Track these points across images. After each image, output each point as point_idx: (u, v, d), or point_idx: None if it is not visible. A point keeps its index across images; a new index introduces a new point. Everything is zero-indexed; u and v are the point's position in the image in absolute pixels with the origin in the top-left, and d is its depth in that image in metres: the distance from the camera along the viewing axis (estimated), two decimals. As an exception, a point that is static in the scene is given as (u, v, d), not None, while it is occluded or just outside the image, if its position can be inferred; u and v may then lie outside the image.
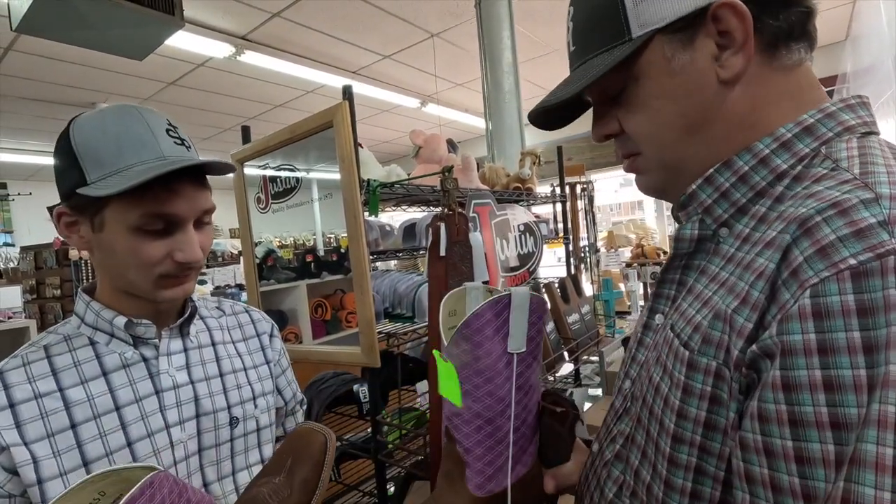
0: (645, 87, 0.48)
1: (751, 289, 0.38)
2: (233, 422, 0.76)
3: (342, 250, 1.37)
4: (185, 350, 0.75)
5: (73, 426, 0.63)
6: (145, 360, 0.70)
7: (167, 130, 0.67)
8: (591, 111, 0.57)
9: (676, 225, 0.55)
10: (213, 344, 0.79)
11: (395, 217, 2.39)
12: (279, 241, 1.56)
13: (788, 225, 0.38)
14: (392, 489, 1.37)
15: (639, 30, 0.46)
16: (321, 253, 1.43)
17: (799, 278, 0.35)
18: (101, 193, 0.60)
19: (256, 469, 0.79)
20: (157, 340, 0.72)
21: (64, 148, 0.64)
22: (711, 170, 0.47)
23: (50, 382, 0.64)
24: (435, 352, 0.52)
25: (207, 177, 0.72)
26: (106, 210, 0.63)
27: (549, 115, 0.57)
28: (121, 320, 0.68)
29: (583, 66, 0.52)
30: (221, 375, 0.78)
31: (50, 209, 0.74)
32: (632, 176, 0.56)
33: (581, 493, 0.58)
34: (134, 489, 0.43)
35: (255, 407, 0.80)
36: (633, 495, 0.48)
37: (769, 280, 0.37)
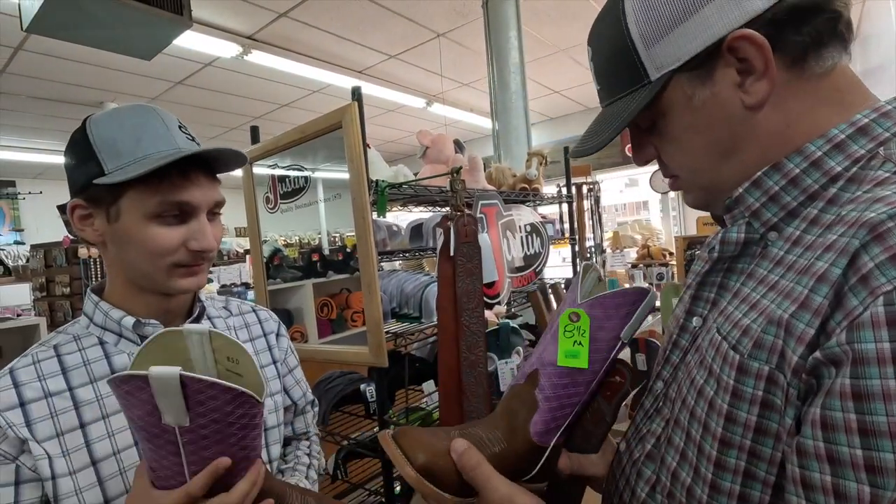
0: (672, 122, 0.49)
1: (812, 293, 0.37)
2: None
3: (348, 250, 1.37)
4: None
5: (83, 426, 0.64)
6: None
7: (179, 127, 0.69)
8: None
9: (719, 228, 0.55)
10: None
11: (399, 217, 2.40)
12: (284, 241, 1.57)
13: (856, 229, 0.37)
14: (398, 488, 1.38)
15: (656, 72, 0.47)
16: (326, 252, 1.44)
17: (870, 285, 0.34)
18: (120, 179, 0.61)
19: None
20: None
21: (80, 143, 0.65)
22: (759, 173, 0.46)
23: (60, 381, 0.64)
24: (568, 310, 0.55)
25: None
26: (122, 199, 0.64)
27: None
28: (129, 321, 0.68)
29: (610, 106, 0.53)
30: None
31: (60, 207, 0.75)
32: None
33: (609, 492, 0.58)
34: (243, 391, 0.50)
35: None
36: (670, 496, 0.48)
37: (833, 285, 0.36)
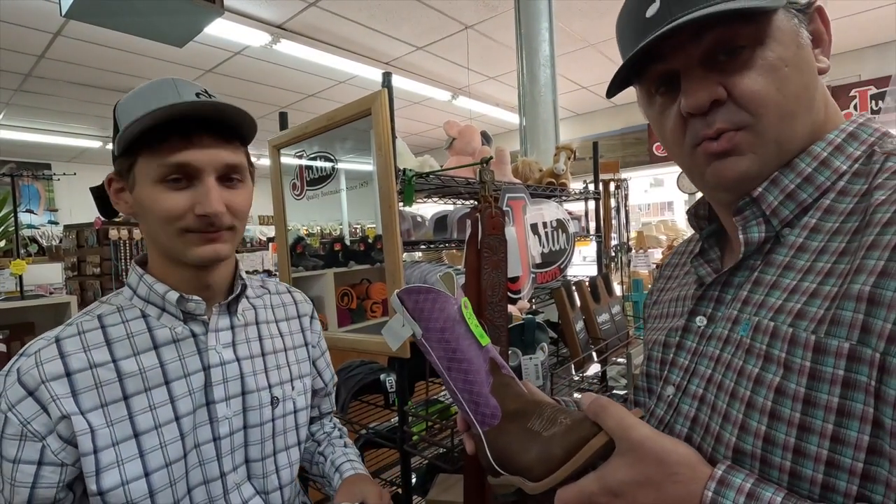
0: (775, 50, 0.46)
1: (890, 262, 0.38)
2: (273, 402, 0.77)
3: (369, 240, 1.37)
4: (232, 327, 0.75)
5: (126, 398, 0.64)
6: (194, 335, 0.71)
7: (197, 94, 0.66)
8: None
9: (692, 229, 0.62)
10: (257, 323, 0.80)
11: (422, 210, 2.39)
12: (306, 230, 1.57)
13: None
14: (415, 479, 1.37)
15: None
16: (348, 242, 1.44)
17: None
18: (119, 137, 0.63)
19: (294, 451, 0.80)
20: (206, 317, 0.72)
21: (113, 119, 0.67)
22: (776, 172, 0.49)
23: (104, 353, 0.65)
24: (462, 300, 0.61)
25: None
26: (135, 167, 0.65)
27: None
28: (173, 295, 0.68)
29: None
30: (263, 355, 0.78)
31: (92, 189, 0.75)
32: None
33: None
34: None
35: (293, 389, 0.81)
36: None
37: None
